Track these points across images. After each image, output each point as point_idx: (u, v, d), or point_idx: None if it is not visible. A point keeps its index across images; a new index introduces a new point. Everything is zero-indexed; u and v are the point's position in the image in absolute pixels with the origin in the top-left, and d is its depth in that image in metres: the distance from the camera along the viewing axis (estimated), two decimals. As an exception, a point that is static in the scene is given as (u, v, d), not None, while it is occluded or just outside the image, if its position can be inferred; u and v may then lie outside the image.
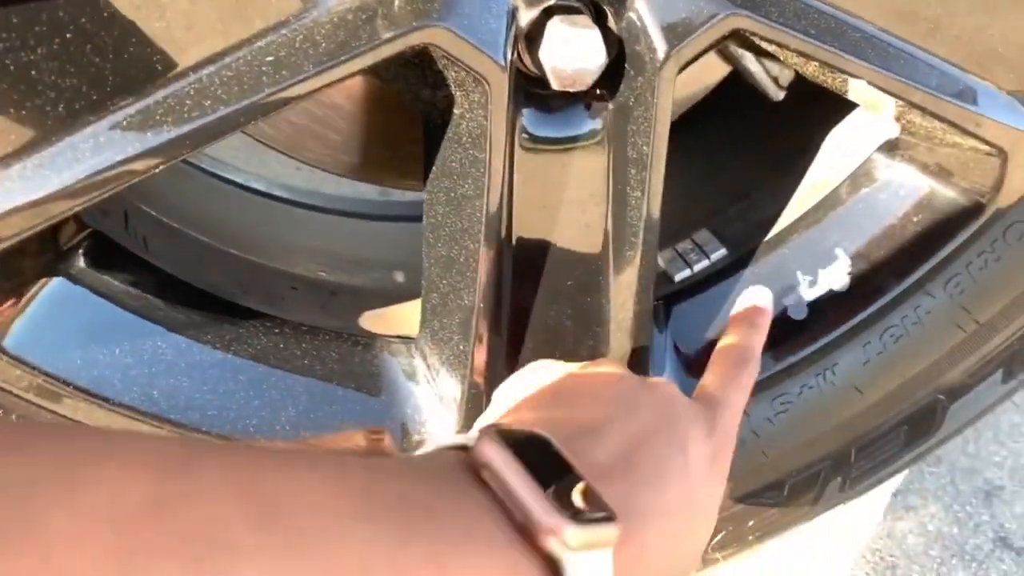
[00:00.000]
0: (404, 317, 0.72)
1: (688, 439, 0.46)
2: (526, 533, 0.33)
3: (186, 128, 0.45)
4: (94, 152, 0.44)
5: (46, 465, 0.24)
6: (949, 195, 0.70)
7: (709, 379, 0.55)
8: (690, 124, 0.83)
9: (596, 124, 0.57)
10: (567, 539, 0.32)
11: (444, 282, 0.61)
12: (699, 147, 0.84)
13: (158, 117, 0.45)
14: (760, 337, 0.60)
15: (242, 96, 0.46)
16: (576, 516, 0.33)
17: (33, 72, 0.43)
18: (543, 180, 0.58)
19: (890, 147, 0.72)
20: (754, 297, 0.63)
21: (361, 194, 0.86)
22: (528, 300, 0.63)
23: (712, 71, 0.76)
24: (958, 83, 0.61)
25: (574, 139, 0.58)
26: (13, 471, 0.23)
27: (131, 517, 0.23)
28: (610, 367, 0.52)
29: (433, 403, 0.65)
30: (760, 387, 0.74)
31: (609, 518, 0.33)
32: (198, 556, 0.24)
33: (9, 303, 0.48)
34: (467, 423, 0.64)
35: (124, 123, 0.44)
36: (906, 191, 0.71)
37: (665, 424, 0.45)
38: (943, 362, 0.75)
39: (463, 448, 0.37)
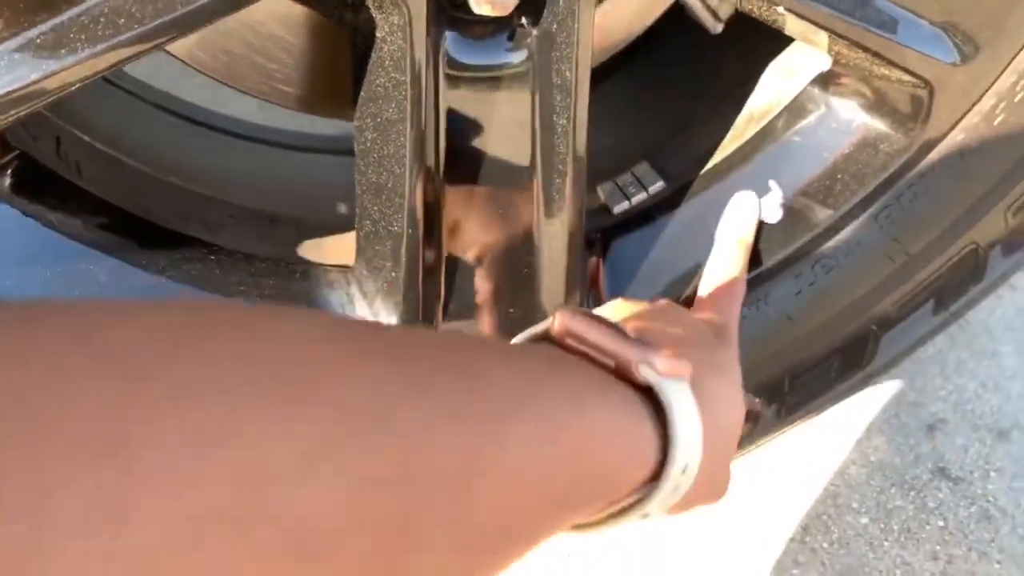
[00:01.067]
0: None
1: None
2: (620, 371, 0.39)
3: (100, 47, 0.46)
4: (7, 70, 0.45)
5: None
6: (880, 128, 0.72)
7: (712, 314, 0.61)
8: (633, 57, 0.84)
9: (520, 50, 0.58)
10: (656, 365, 0.39)
11: (375, 208, 0.63)
12: (641, 79, 0.85)
13: (71, 35, 0.46)
14: (745, 261, 0.68)
15: (156, 15, 0.47)
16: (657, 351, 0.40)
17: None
18: (469, 107, 0.60)
19: (823, 80, 0.73)
20: (740, 206, 0.68)
21: (304, 127, 0.87)
22: (457, 226, 0.65)
23: (655, 3, 0.76)
24: (882, 14, 0.63)
25: (499, 67, 0.59)
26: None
27: None
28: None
29: (369, 329, 0.67)
30: (696, 317, 0.76)
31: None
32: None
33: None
34: (402, 348, 0.66)
35: (38, 41, 0.45)
36: (838, 124, 0.73)
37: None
38: (875, 293, 0.78)
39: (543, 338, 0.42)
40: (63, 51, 0.46)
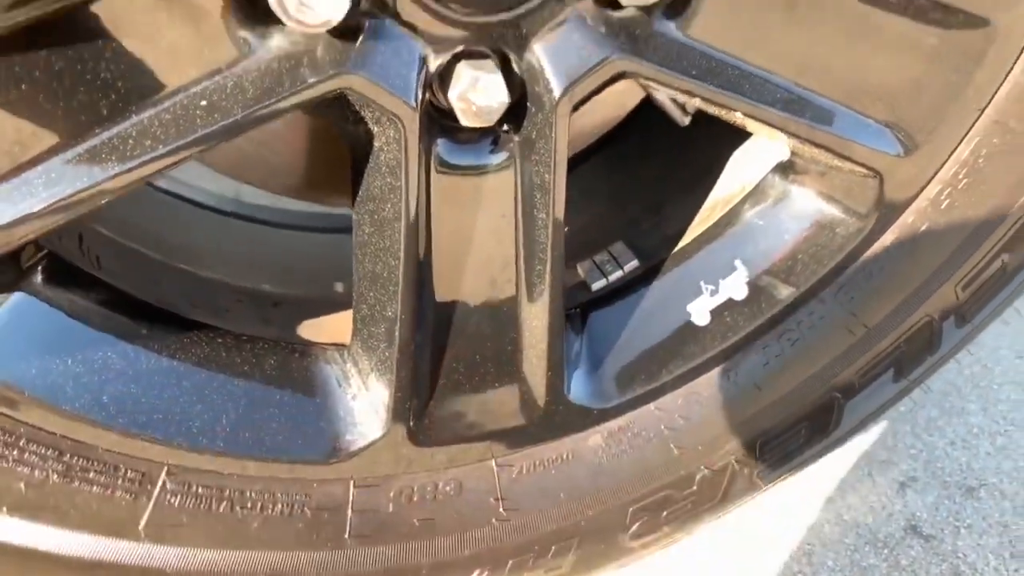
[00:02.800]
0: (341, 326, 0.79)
1: None
2: None
3: (132, 163, 0.52)
4: (47, 186, 0.51)
5: None
6: (836, 212, 0.79)
7: None
8: (611, 143, 0.92)
9: (504, 154, 0.65)
10: None
11: (371, 295, 0.69)
12: (619, 164, 0.92)
13: (103, 156, 0.52)
14: None
15: (179, 136, 0.53)
16: None
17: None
18: (459, 202, 0.66)
19: (783, 168, 0.81)
20: None
21: (301, 208, 0.94)
22: (449, 309, 0.71)
23: (631, 95, 0.84)
24: (832, 114, 0.70)
25: (485, 167, 0.66)
26: None
27: None
28: None
29: (364, 405, 0.72)
30: (673, 385, 0.82)
31: None
32: None
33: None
34: (394, 423, 0.71)
35: (74, 160, 0.52)
36: (797, 209, 0.80)
37: None
38: (837, 363, 0.84)
39: None
40: (99, 168, 0.52)
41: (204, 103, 0.53)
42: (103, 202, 0.53)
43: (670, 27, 0.63)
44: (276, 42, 0.54)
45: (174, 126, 0.53)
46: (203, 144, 0.53)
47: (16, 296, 0.58)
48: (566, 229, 0.68)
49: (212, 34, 0.53)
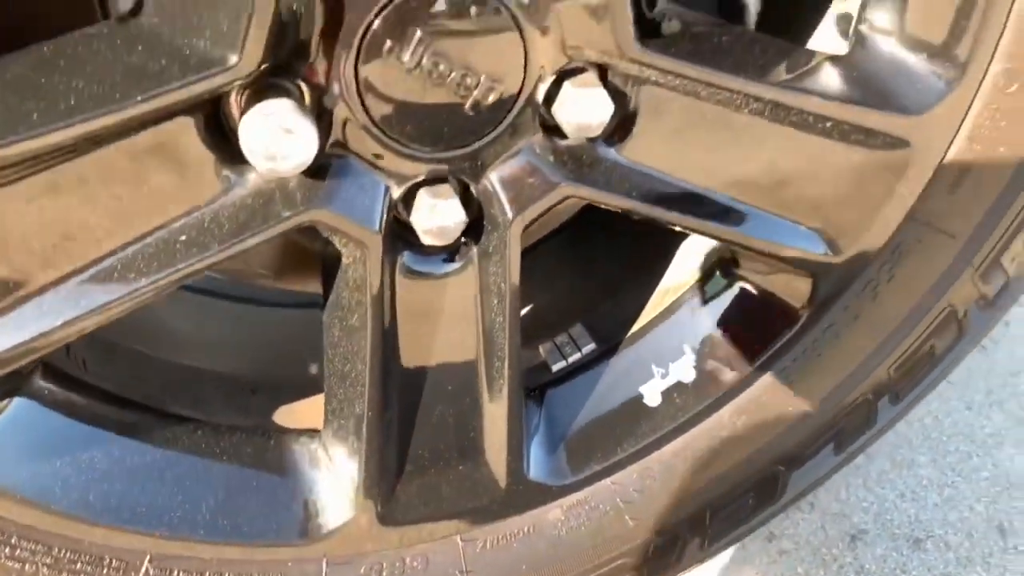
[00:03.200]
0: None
1: None
2: None
3: (119, 293, 0.58)
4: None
5: None
6: (774, 304, 0.85)
7: None
8: (570, 231, 0.98)
9: (463, 262, 0.71)
10: None
11: (341, 391, 0.74)
12: (576, 247, 0.98)
13: (95, 285, 0.58)
14: None
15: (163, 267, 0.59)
16: None
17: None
18: (422, 307, 0.72)
19: (726, 263, 0.87)
20: None
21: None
22: (415, 403, 0.77)
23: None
24: (765, 223, 0.76)
25: (446, 274, 0.71)
26: None
27: None
28: None
29: (335, 488, 0.78)
30: (627, 462, 0.88)
31: None
32: None
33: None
34: (364, 505, 0.77)
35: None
36: (739, 300, 0.87)
37: None
38: (780, 439, 0.90)
39: None
40: (116, 284, 0.57)
41: (184, 237, 0.59)
42: (104, 321, 0.58)
43: (612, 152, 0.70)
44: (252, 181, 0.60)
45: (157, 259, 0.58)
46: (186, 275, 0.59)
47: (16, 401, 0.63)
48: (527, 309, 0.74)
49: (194, 176, 0.58)
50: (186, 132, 0.56)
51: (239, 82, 0.53)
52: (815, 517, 1.24)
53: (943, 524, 1.25)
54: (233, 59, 0.52)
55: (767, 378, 0.87)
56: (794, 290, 0.84)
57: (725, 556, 1.17)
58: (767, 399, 0.88)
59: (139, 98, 0.51)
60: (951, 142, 0.77)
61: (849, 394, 0.89)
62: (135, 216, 0.57)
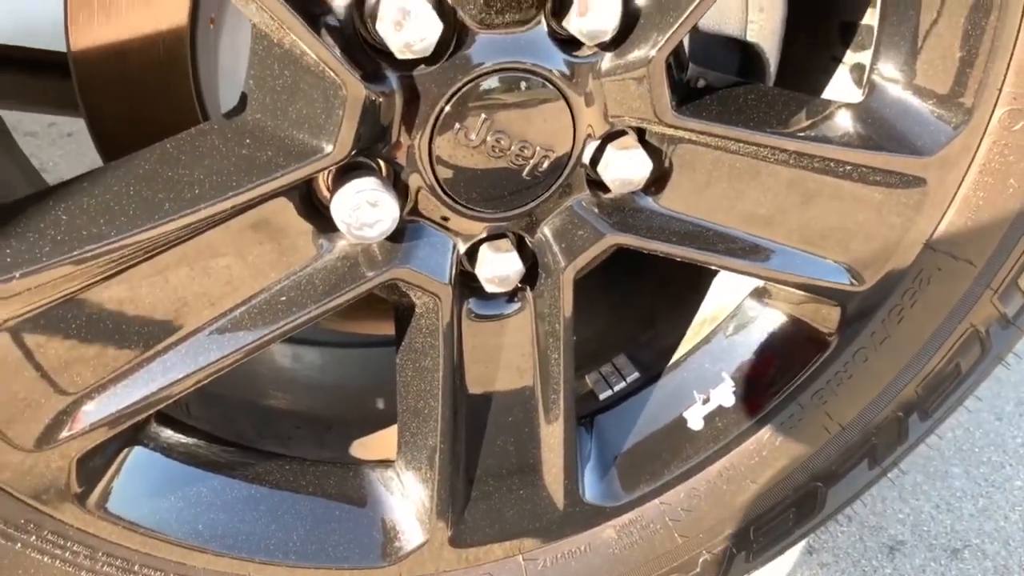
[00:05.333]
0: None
1: None
2: None
3: (230, 349, 0.67)
4: (163, 373, 0.66)
5: None
6: (806, 331, 0.93)
7: None
8: (612, 266, 1.06)
9: (522, 306, 0.80)
10: None
11: (414, 425, 0.83)
12: (616, 280, 1.07)
13: (210, 343, 0.67)
14: None
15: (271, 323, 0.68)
16: None
17: (127, 323, 0.65)
18: (486, 346, 0.81)
19: (759, 293, 0.95)
20: None
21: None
22: (480, 433, 0.85)
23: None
24: (794, 258, 0.84)
25: (507, 316, 0.80)
26: None
27: None
28: None
29: (409, 515, 0.86)
30: (675, 482, 0.95)
31: None
32: None
33: (109, 473, 0.70)
34: (436, 529, 0.85)
35: (184, 350, 0.67)
36: (773, 328, 0.94)
37: None
38: (816, 456, 0.97)
39: None
40: (228, 342, 0.66)
41: (284, 298, 0.68)
42: (216, 374, 0.68)
43: (651, 203, 0.78)
44: (341, 247, 0.69)
45: (262, 318, 0.68)
46: (286, 331, 0.68)
47: (136, 448, 0.73)
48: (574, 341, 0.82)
49: (292, 245, 0.67)
50: (286, 209, 0.65)
51: (332, 166, 0.63)
52: (853, 529, 1.31)
53: (979, 534, 1.31)
54: (328, 148, 0.62)
55: (801, 400, 0.94)
56: (823, 317, 0.91)
57: (767, 570, 1.24)
58: (802, 420, 0.95)
59: (249, 185, 0.61)
60: (963, 177, 0.84)
61: (880, 412, 0.96)
62: (244, 281, 0.67)
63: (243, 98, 0.65)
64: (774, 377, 0.95)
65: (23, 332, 0.61)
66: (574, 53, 0.67)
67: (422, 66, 0.63)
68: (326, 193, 0.67)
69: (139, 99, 0.75)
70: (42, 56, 1.12)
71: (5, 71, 1.09)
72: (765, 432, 0.96)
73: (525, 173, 0.71)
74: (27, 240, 0.59)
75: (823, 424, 0.96)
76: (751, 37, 0.88)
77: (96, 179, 0.62)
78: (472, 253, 0.75)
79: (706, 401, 0.95)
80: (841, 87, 0.89)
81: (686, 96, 0.77)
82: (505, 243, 0.75)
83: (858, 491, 1.03)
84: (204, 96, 0.74)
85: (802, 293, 0.88)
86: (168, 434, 0.77)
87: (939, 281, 0.90)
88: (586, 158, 0.74)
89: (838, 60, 0.89)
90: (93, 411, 0.65)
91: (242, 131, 0.63)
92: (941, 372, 0.96)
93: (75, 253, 0.58)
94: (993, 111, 0.80)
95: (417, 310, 0.76)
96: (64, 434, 0.66)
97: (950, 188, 0.84)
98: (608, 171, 0.73)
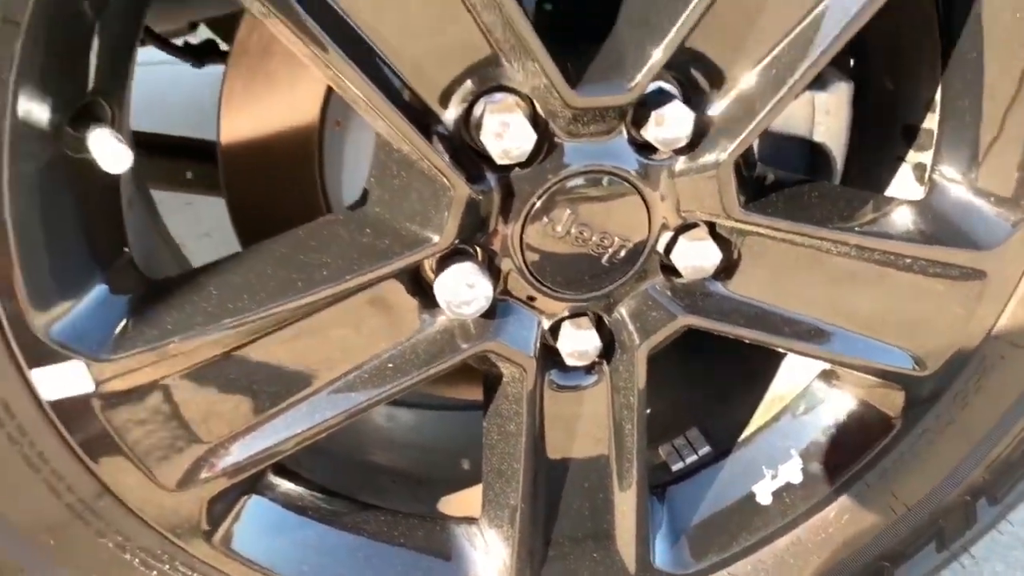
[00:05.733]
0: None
1: None
2: None
3: (342, 409, 0.77)
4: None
5: None
6: (872, 413, 0.97)
7: None
8: (687, 342, 1.13)
9: (599, 378, 0.87)
10: None
11: (497, 485, 0.90)
12: (691, 355, 1.13)
13: (326, 403, 0.77)
14: None
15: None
16: None
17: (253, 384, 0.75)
18: (565, 414, 0.88)
19: (827, 375, 1.00)
20: None
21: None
22: (558, 496, 0.92)
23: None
24: (858, 343, 0.90)
25: (585, 387, 0.88)
26: None
27: None
28: None
29: (491, 569, 0.93)
30: (743, 554, 1.00)
31: None
32: None
33: (232, 515, 0.80)
34: (515, 585, 0.92)
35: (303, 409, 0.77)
36: (839, 409, 0.99)
37: None
38: (882, 536, 1.00)
39: None
40: (340, 402, 0.76)
41: (391, 365, 0.78)
42: (329, 431, 0.77)
43: (721, 288, 0.85)
44: (441, 322, 0.79)
45: (372, 382, 0.77)
46: (391, 394, 0.78)
47: (255, 496, 0.83)
48: (648, 413, 0.89)
49: (399, 319, 0.78)
50: (397, 288, 0.76)
51: (438, 253, 0.73)
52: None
53: (1064, 627, 1.28)
54: (435, 238, 0.72)
55: (868, 479, 0.98)
56: (889, 400, 0.96)
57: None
58: (868, 499, 0.99)
59: (369, 269, 0.71)
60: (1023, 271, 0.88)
61: (947, 495, 0.99)
62: (357, 350, 0.77)
63: (365, 193, 0.76)
64: (840, 456, 0.99)
65: (174, 388, 0.72)
66: (651, 156, 0.76)
67: (517, 168, 0.73)
68: (431, 275, 0.77)
69: (273, 187, 0.88)
70: (184, 143, 1.29)
71: (153, 156, 1.26)
72: (831, 510, 0.99)
73: (604, 260, 0.80)
74: (184, 311, 0.70)
75: (889, 504, 0.99)
76: (818, 137, 0.96)
77: (241, 260, 0.74)
78: (555, 329, 0.84)
79: (775, 477, 1.00)
80: (904, 184, 0.95)
81: (756, 191, 0.85)
82: (585, 321, 0.84)
83: (926, 573, 1.04)
84: (328, 187, 0.86)
85: (867, 376, 0.93)
86: (281, 482, 0.87)
87: (1003, 369, 0.93)
88: (660, 247, 0.82)
89: (901, 159, 0.95)
90: (225, 459, 0.76)
91: (363, 222, 0.74)
92: (1009, 458, 0.98)
93: (224, 322, 0.70)
94: (1051, 209, 0.85)
95: (504, 379, 0.85)
96: (199, 478, 0.76)
97: (1011, 280, 0.89)
98: (680, 259, 0.81)
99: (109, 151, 0.60)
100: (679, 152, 0.77)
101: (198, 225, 2.28)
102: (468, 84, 0.70)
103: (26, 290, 0.63)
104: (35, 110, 0.58)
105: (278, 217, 0.85)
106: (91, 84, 0.62)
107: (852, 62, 1.00)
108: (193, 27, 1.48)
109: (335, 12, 0.62)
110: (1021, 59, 0.81)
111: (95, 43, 0.61)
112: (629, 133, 0.75)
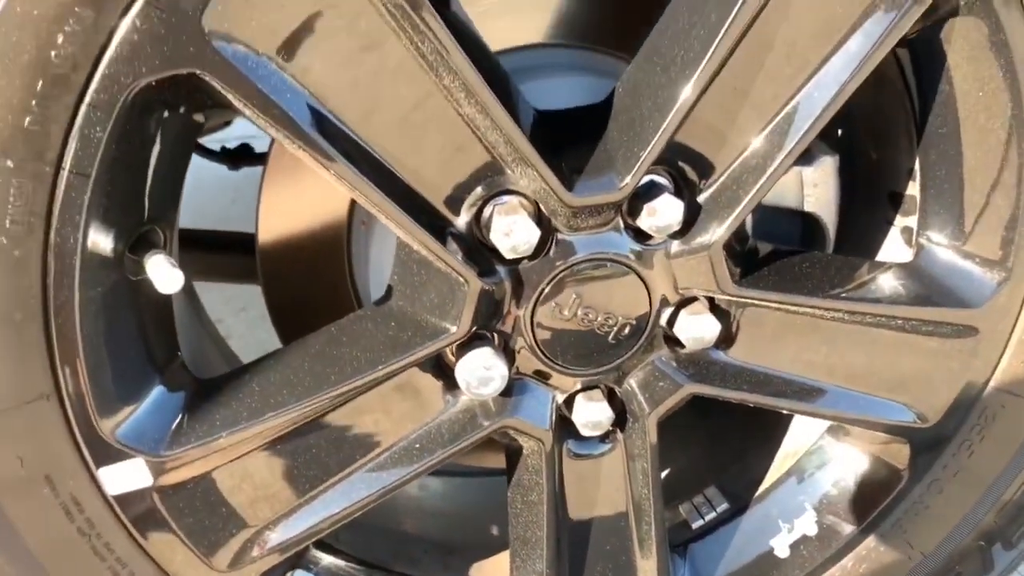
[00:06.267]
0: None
1: None
2: None
3: (377, 487, 0.84)
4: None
5: None
6: (880, 465, 1.02)
7: None
8: (702, 403, 1.18)
9: (613, 446, 0.93)
10: None
11: (523, 552, 0.96)
12: (708, 422, 1.18)
13: (361, 483, 0.84)
14: None
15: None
16: None
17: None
18: (584, 482, 0.94)
19: (835, 431, 1.05)
20: None
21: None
22: (581, 559, 0.98)
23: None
24: (859, 401, 0.95)
25: (601, 455, 0.94)
26: None
27: None
28: None
29: (522, 632, 0.98)
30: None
31: None
32: None
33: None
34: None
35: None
36: (848, 461, 1.04)
37: None
38: (900, 584, 1.04)
39: None
40: (375, 481, 0.83)
41: (418, 445, 0.85)
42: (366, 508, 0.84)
43: (723, 356, 0.91)
44: (462, 402, 0.86)
45: (401, 462, 0.84)
46: (419, 473, 0.85)
47: (299, 572, 0.90)
48: (667, 472, 0.94)
49: (424, 402, 0.85)
50: (421, 374, 0.83)
51: (457, 341, 0.80)
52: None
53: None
54: (454, 328, 0.79)
55: (882, 529, 1.02)
56: (895, 453, 1.00)
57: None
58: (884, 548, 1.03)
59: (395, 360, 0.79)
60: (1015, 322, 0.93)
61: (961, 541, 1.03)
62: (388, 432, 0.84)
63: (389, 289, 0.84)
64: (853, 507, 1.03)
65: (224, 477, 0.80)
66: (647, 242, 0.84)
67: (525, 261, 0.81)
68: (452, 359, 0.84)
69: (307, 284, 0.97)
70: (220, 237, 1.39)
71: (191, 251, 1.36)
72: (849, 560, 1.04)
73: (611, 337, 0.86)
74: (231, 407, 0.78)
75: (905, 552, 1.03)
76: (808, 207, 1.02)
77: (280, 357, 0.82)
78: (569, 403, 0.90)
79: (791, 530, 1.04)
80: (895, 247, 1.01)
81: (750, 265, 0.92)
82: (597, 394, 0.90)
83: (948, 620, 1.07)
84: (357, 283, 0.94)
85: (873, 431, 0.98)
86: (323, 556, 0.94)
87: (1004, 418, 0.98)
88: (663, 321, 0.89)
89: (890, 223, 1.01)
90: (271, 539, 0.83)
91: (388, 316, 0.82)
92: (1019, 502, 1.02)
93: (266, 416, 0.77)
94: (1032, 266, 0.91)
95: (524, 452, 0.91)
96: (248, 557, 0.83)
97: (1003, 334, 0.94)
98: (682, 332, 0.88)
99: (164, 274, 0.69)
100: (673, 236, 0.84)
101: (236, 301, 2.40)
102: (478, 191, 0.78)
103: (94, 399, 0.71)
104: (101, 243, 0.67)
105: (312, 311, 0.93)
106: (147, 214, 0.72)
107: (840, 131, 1.07)
108: (227, 123, 1.60)
109: (355, 141, 0.71)
110: (991, 132, 0.87)
111: (150, 178, 0.71)
112: (625, 223, 0.82)
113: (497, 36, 0.89)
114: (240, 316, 2.38)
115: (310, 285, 0.99)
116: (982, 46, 0.81)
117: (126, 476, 0.75)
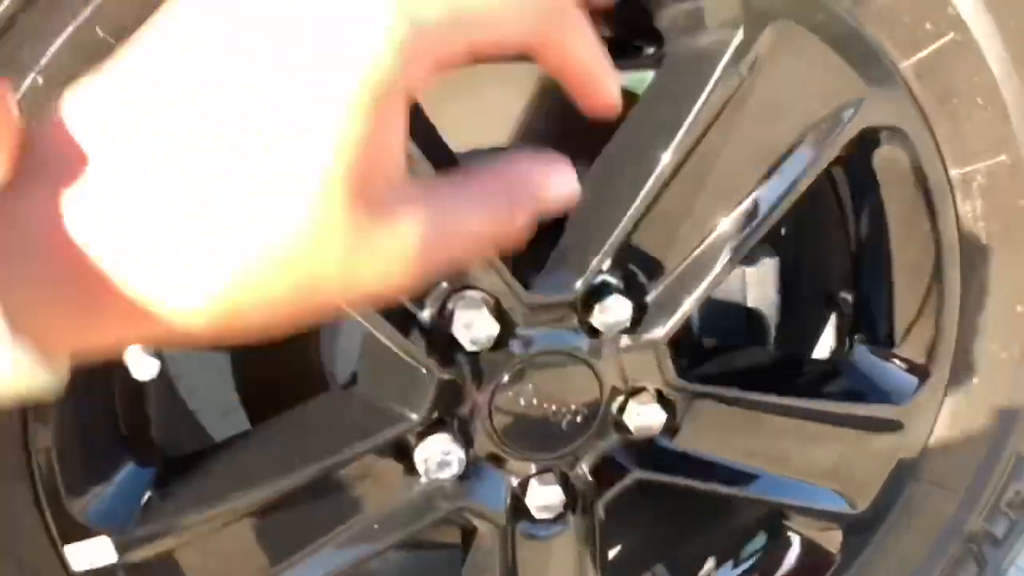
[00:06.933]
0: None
1: None
2: None
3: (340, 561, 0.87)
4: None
5: None
6: (816, 547, 1.08)
7: None
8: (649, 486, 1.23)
9: (565, 527, 0.98)
10: None
11: (477, 628, 0.99)
12: (656, 503, 1.23)
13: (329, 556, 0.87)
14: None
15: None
16: None
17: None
18: (537, 561, 0.98)
19: (774, 514, 1.10)
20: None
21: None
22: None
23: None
24: (792, 487, 1.01)
25: (553, 536, 0.98)
26: None
27: None
28: None
29: None
30: None
31: None
32: None
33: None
34: None
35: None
36: (789, 545, 1.09)
37: None
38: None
39: None
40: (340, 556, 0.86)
41: (377, 526, 0.89)
42: None
43: (669, 443, 0.97)
44: (421, 485, 0.90)
45: (363, 539, 0.88)
46: (380, 551, 0.88)
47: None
48: (617, 551, 0.99)
49: (385, 484, 0.89)
50: (382, 458, 0.87)
51: (417, 428, 0.85)
52: None
53: None
54: (414, 416, 0.84)
55: (822, 603, 1.07)
56: (829, 537, 1.06)
57: None
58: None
59: (358, 444, 0.83)
60: (935, 419, 1.01)
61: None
62: (348, 511, 0.88)
63: (354, 375, 0.88)
64: (794, 585, 1.08)
65: (188, 555, 0.83)
66: (599, 337, 0.90)
67: (485, 352, 0.86)
68: (412, 443, 0.88)
69: (277, 365, 1.01)
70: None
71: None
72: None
73: (564, 425, 0.92)
74: (198, 487, 0.82)
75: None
76: (751, 304, 1.10)
77: (247, 439, 0.85)
78: (523, 486, 0.95)
79: (743, 611, 1.09)
80: (831, 345, 1.09)
81: (696, 358, 0.98)
82: (550, 477, 0.95)
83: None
84: (324, 366, 0.98)
85: (806, 516, 1.04)
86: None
87: (927, 506, 1.04)
88: (614, 409, 0.94)
89: (826, 322, 1.09)
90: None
91: (352, 401, 0.86)
92: (948, 581, 1.08)
93: (231, 496, 0.81)
94: (950, 367, 0.98)
95: (479, 531, 0.95)
96: (208, 633, 0.85)
97: (924, 429, 1.01)
98: (630, 420, 0.93)
99: (140, 363, 0.72)
100: (623, 332, 0.90)
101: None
102: (442, 286, 0.83)
103: (63, 480, 0.74)
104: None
105: (281, 391, 0.97)
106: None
107: (783, 231, 1.15)
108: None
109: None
110: (916, 246, 0.96)
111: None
112: (579, 319, 0.88)
113: (461, 139, 0.95)
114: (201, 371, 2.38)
115: (281, 371, 1.03)
116: (904, 172, 0.89)
117: (92, 553, 0.77)
